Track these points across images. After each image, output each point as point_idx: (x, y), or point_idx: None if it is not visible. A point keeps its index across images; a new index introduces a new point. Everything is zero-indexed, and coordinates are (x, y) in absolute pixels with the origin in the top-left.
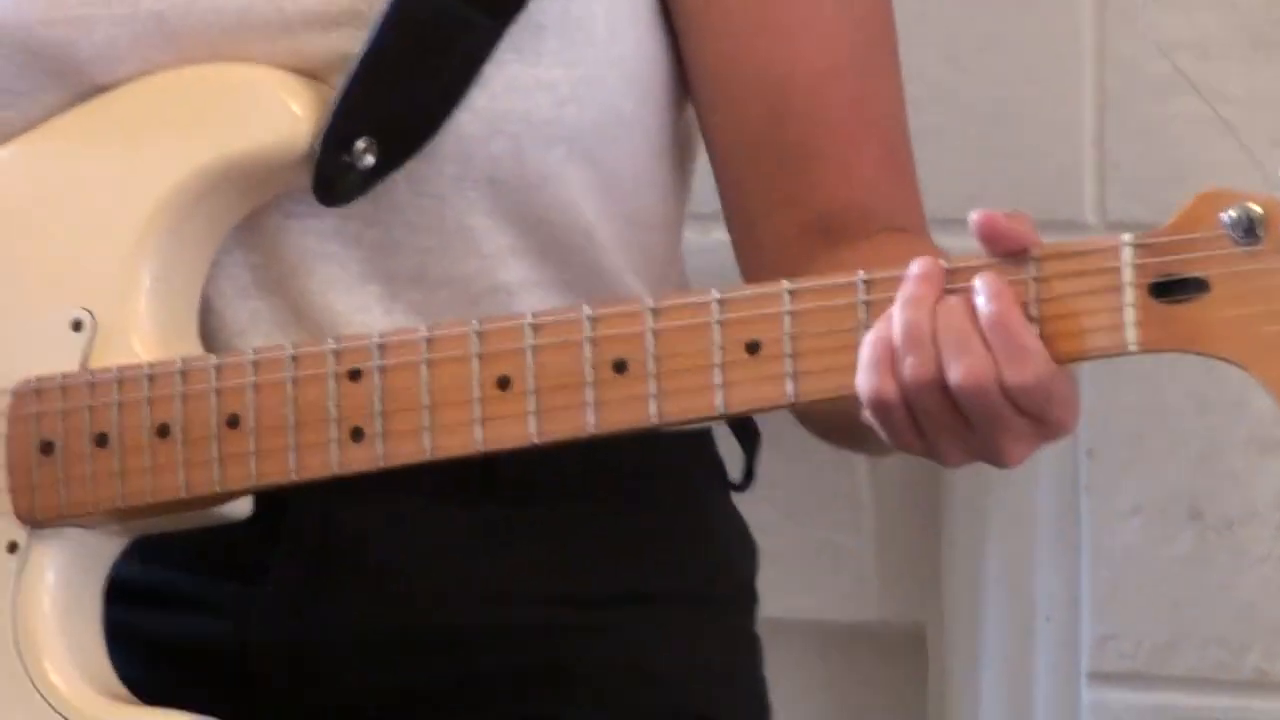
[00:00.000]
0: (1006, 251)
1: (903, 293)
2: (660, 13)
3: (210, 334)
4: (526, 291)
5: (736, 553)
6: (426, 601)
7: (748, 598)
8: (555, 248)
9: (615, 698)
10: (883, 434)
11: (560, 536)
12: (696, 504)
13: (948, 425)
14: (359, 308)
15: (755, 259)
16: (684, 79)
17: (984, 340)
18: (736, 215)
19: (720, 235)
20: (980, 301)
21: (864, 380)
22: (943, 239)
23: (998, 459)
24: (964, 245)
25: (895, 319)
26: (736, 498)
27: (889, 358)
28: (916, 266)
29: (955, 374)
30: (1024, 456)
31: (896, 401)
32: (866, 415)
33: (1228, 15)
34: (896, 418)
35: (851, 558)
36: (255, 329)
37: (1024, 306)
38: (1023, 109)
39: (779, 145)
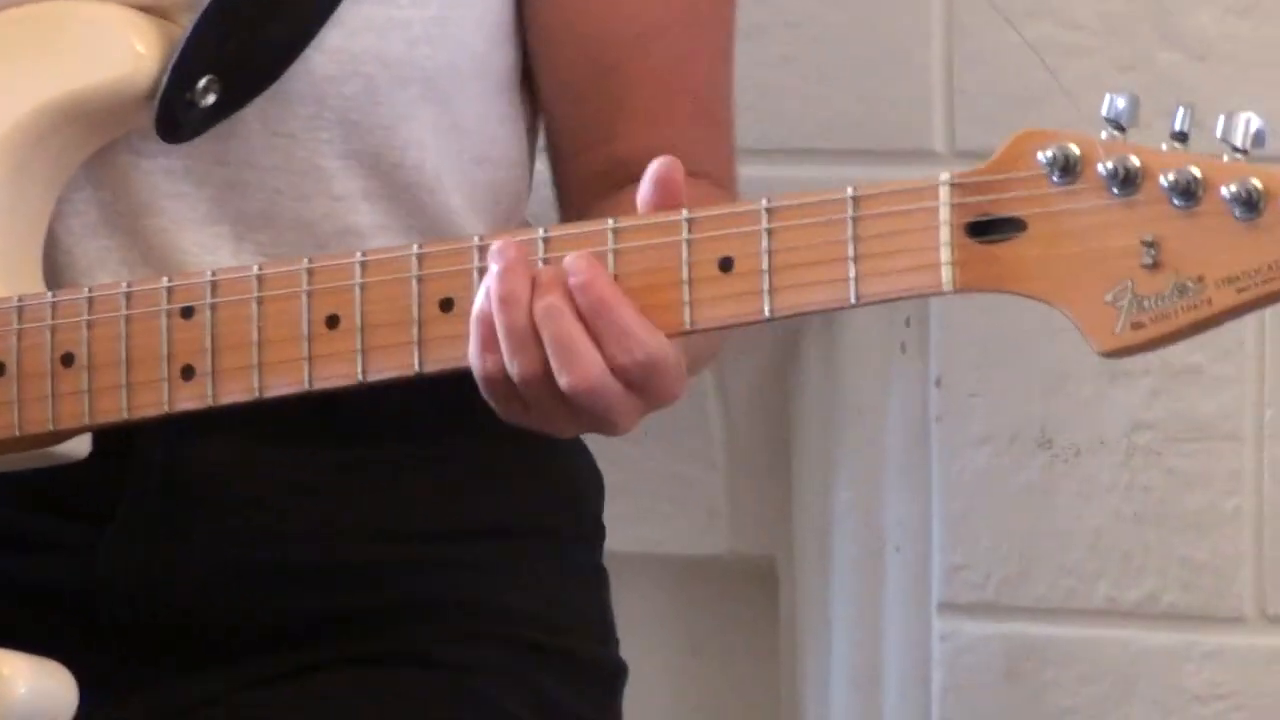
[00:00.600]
0: (665, 202)
1: (495, 288)
2: None
3: (58, 271)
4: (375, 235)
5: (584, 485)
6: (275, 539)
7: (595, 530)
8: (404, 191)
9: (464, 630)
10: (494, 408)
11: (407, 473)
12: (543, 437)
13: (560, 412)
14: (206, 248)
15: (561, 194)
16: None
17: (589, 332)
18: (551, 151)
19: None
20: (576, 288)
21: (474, 362)
22: (791, 169)
23: (608, 430)
24: (811, 175)
25: (496, 319)
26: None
27: (485, 335)
28: (499, 256)
29: (566, 380)
30: (633, 426)
31: (505, 387)
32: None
33: None
34: (506, 399)
35: (701, 490)
36: (103, 268)
37: (842, 245)
38: (872, 37)
39: (595, 95)
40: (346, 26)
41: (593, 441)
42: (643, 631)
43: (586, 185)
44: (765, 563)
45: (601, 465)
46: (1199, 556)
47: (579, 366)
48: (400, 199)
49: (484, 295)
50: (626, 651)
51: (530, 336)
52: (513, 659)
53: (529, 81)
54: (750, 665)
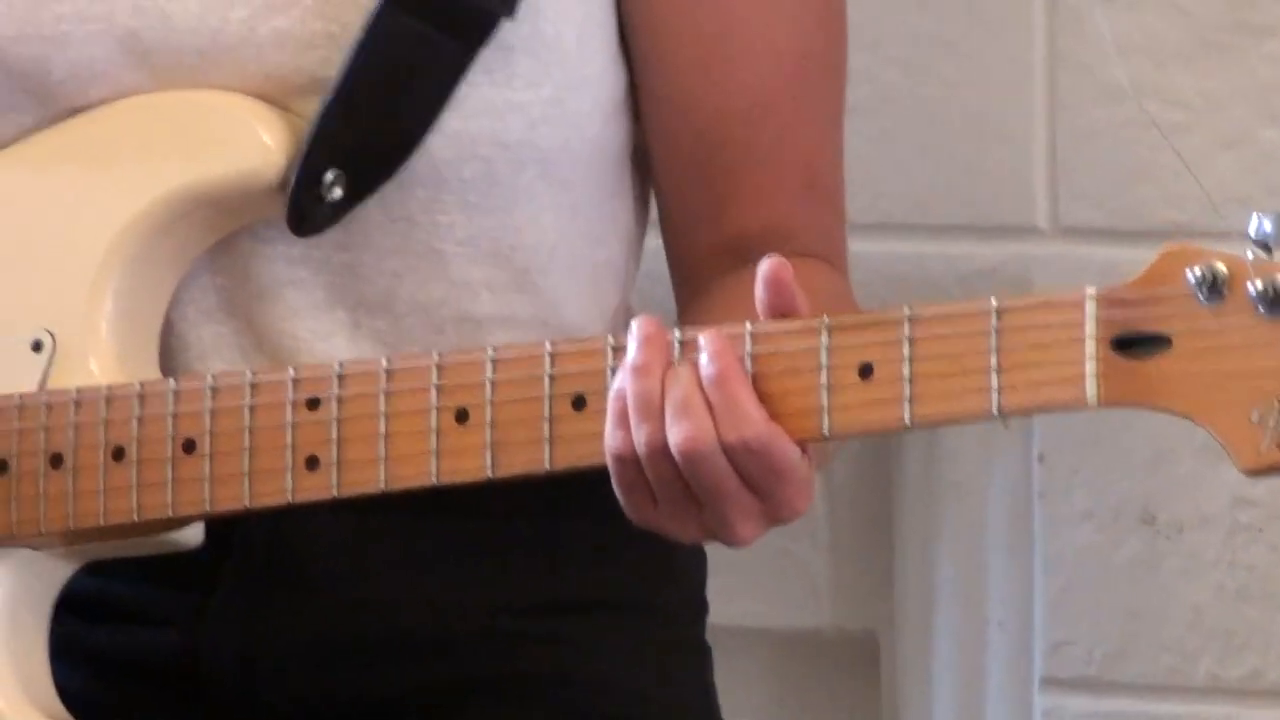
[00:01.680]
0: (779, 301)
1: (630, 360)
2: (620, 37)
3: (170, 356)
4: (491, 322)
5: (686, 560)
6: (375, 612)
7: (697, 606)
8: (521, 275)
9: (565, 707)
10: (621, 501)
11: (508, 547)
12: None
13: (678, 496)
14: (323, 335)
15: (676, 270)
16: (636, 100)
17: (706, 401)
18: (664, 226)
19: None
20: (703, 361)
21: (607, 441)
22: (894, 244)
23: (728, 535)
24: (914, 250)
25: (628, 387)
26: None
27: (627, 419)
28: (638, 330)
29: (675, 436)
30: (755, 536)
31: (633, 464)
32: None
33: (1177, 19)
34: (634, 480)
35: (804, 564)
36: (216, 354)
37: (981, 356)
38: (974, 113)
39: (706, 170)
40: (463, 110)
41: None
42: (745, 706)
43: (702, 262)
44: (867, 637)
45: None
46: None
47: (688, 426)
48: (517, 283)
49: (621, 371)
50: None
51: (658, 405)
52: None
53: (640, 158)
54: None
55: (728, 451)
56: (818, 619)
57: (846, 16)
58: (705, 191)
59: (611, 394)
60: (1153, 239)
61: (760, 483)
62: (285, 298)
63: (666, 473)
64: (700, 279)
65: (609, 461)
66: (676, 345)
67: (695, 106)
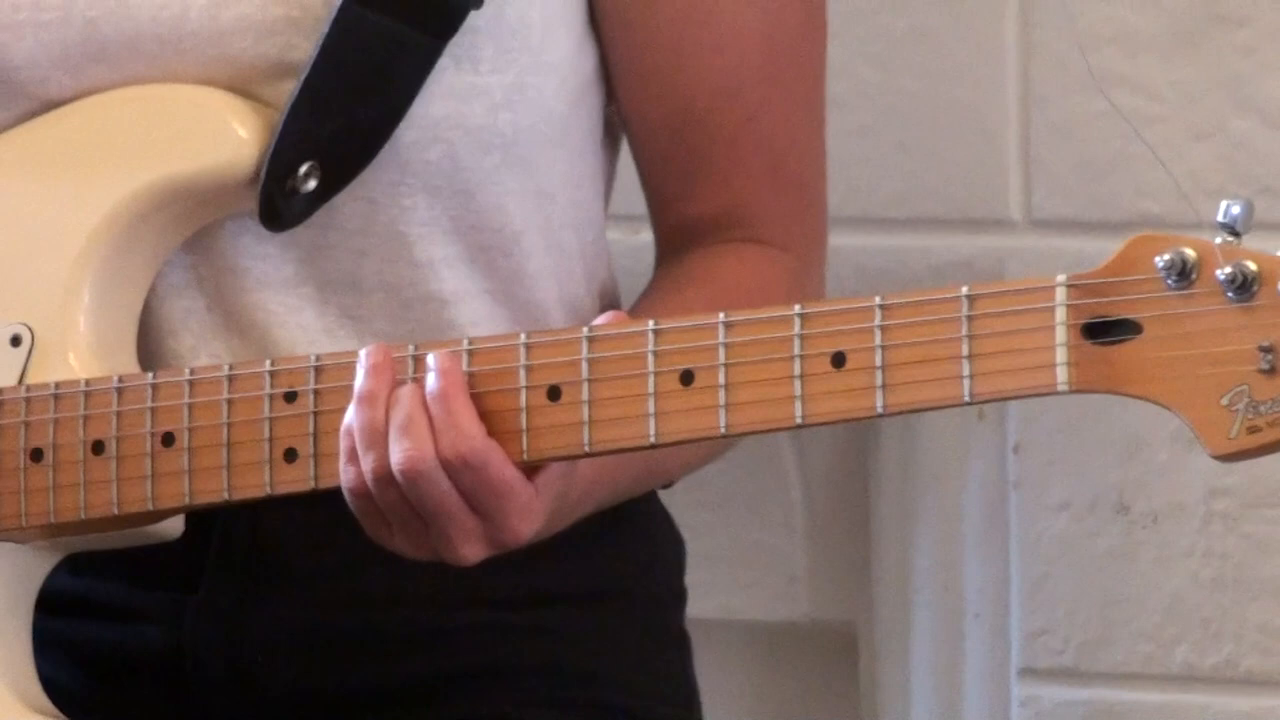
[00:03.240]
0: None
1: (357, 390)
2: (590, 21)
3: (142, 332)
4: (462, 301)
5: (666, 551)
6: (359, 606)
7: (677, 594)
8: (486, 254)
9: (551, 695)
10: (364, 526)
11: None
12: (627, 504)
13: (408, 517)
14: (293, 308)
15: (657, 249)
16: (608, 79)
17: (428, 419)
18: (648, 205)
19: (649, 236)
20: (429, 379)
21: (342, 474)
22: (870, 238)
23: (451, 555)
24: (889, 243)
25: (354, 419)
26: (667, 499)
27: (354, 452)
28: (365, 359)
29: (396, 456)
30: (477, 557)
31: (364, 495)
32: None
33: (1150, 11)
34: (367, 510)
35: (781, 557)
36: (186, 328)
37: (953, 342)
38: (948, 107)
39: (675, 151)
40: (427, 94)
41: (673, 510)
42: (723, 696)
43: (668, 241)
44: (845, 628)
45: (683, 533)
46: (1277, 622)
47: (407, 444)
48: (478, 262)
49: (351, 405)
50: (709, 717)
51: (382, 430)
52: None
53: (611, 140)
54: None
55: (446, 468)
56: (796, 611)
57: (825, 8)
58: (675, 172)
59: (342, 429)
60: (1125, 230)
61: (481, 501)
62: (252, 272)
63: (392, 496)
64: (662, 257)
65: (346, 498)
66: (410, 364)
67: (665, 89)
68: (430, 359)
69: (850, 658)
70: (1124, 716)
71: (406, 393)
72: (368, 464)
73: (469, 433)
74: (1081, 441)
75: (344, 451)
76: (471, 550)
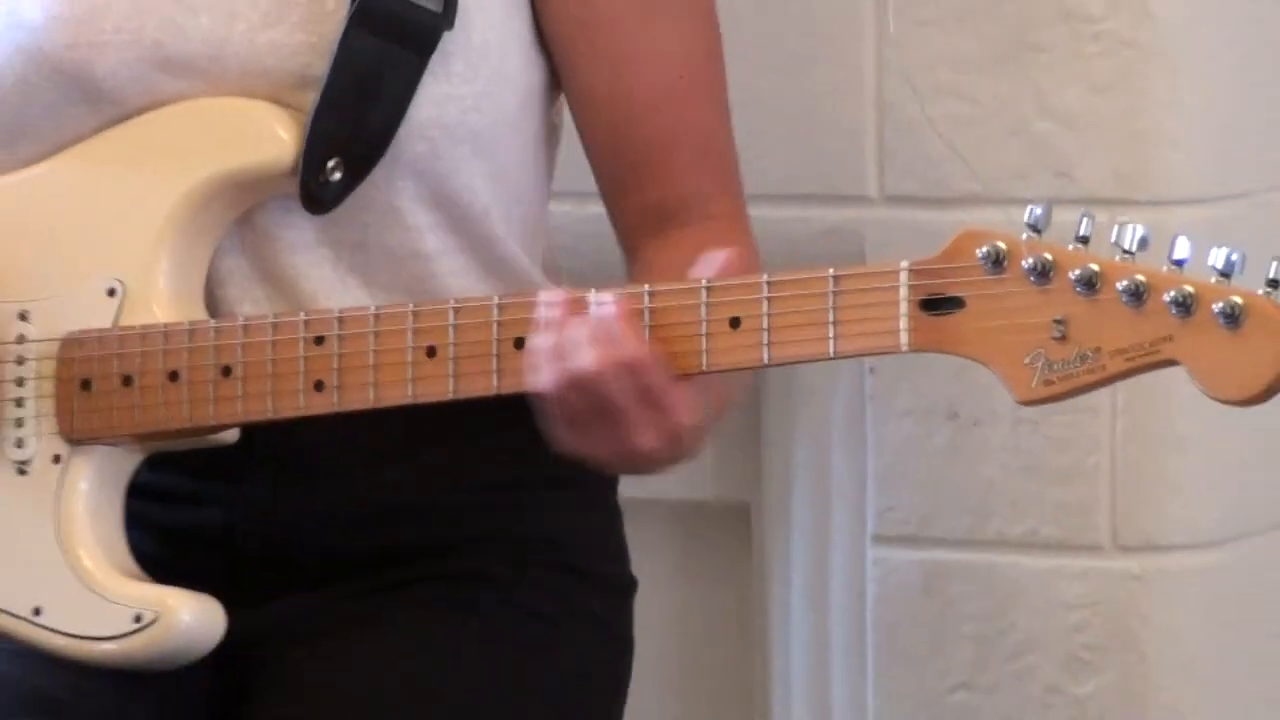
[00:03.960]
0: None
1: (542, 316)
2: (537, 40)
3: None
4: (441, 256)
5: None
6: (375, 489)
7: (613, 480)
8: (461, 222)
9: (515, 555)
10: (548, 431)
11: (474, 442)
12: None
13: (589, 418)
14: (313, 264)
15: (617, 231)
16: (555, 86)
17: (597, 338)
18: (603, 197)
19: (595, 209)
20: (598, 311)
21: (531, 381)
22: (762, 210)
23: (631, 447)
24: (779, 214)
25: (541, 339)
26: None
27: (542, 366)
28: (546, 298)
29: (575, 365)
30: (653, 447)
31: (555, 401)
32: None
33: (975, 37)
34: (557, 415)
35: None
36: (233, 281)
37: (823, 313)
38: (820, 111)
39: (622, 151)
40: (415, 101)
41: None
42: (646, 560)
43: (632, 226)
44: (741, 507)
45: None
46: (1068, 501)
47: (584, 357)
48: (457, 228)
49: (535, 331)
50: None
51: (565, 350)
52: (549, 575)
53: (552, 134)
54: (729, 587)
55: (615, 373)
56: (703, 492)
57: (718, 20)
58: (623, 167)
59: (528, 348)
60: (957, 205)
61: (653, 400)
62: (285, 239)
63: (574, 399)
64: (634, 238)
65: (539, 403)
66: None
67: (605, 102)
68: (598, 296)
69: (745, 529)
70: (950, 571)
71: (581, 320)
72: (552, 375)
73: (632, 344)
74: (922, 365)
75: (529, 365)
76: (646, 439)
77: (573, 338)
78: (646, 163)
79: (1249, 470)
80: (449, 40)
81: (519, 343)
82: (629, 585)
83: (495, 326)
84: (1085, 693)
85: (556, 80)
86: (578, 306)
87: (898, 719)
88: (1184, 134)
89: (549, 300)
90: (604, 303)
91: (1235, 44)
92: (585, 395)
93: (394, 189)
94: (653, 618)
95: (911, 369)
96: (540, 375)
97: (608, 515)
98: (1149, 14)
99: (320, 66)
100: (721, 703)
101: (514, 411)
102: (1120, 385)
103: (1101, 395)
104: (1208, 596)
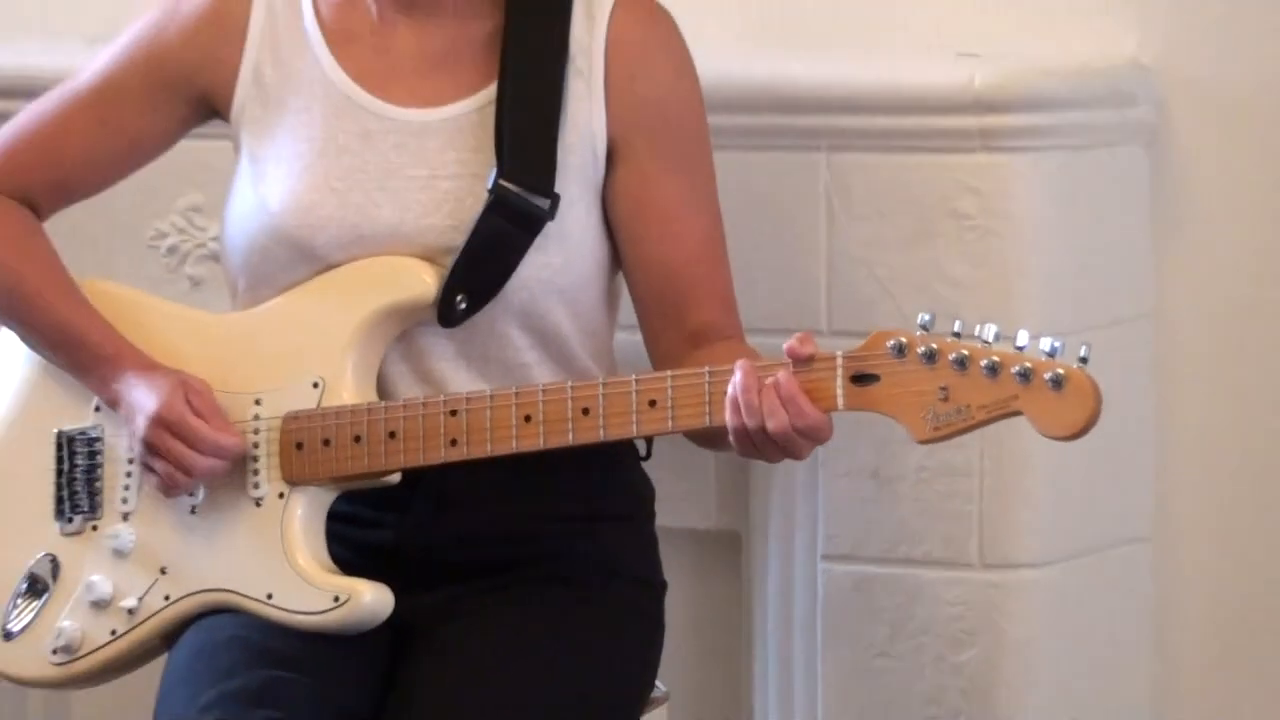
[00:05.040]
0: (800, 358)
1: (738, 381)
2: (605, 229)
3: (377, 381)
4: (536, 365)
5: (646, 491)
6: (496, 519)
7: (652, 516)
8: (550, 345)
9: (590, 570)
10: (735, 447)
11: (561, 487)
12: (627, 466)
13: (768, 446)
14: (452, 369)
15: (655, 351)
16: (616, 260)
17: (783, 406)
18: (643, 331)
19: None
20: (780, 384)
21: (728, 419)
22: (751, 339)
23: (797, 454)
24: (759, 342)
25: (740, 398)
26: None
27: (738, 411)
28: (739, 369)
29: (770, 425)
30: (808, 453)
31: (743, 434)
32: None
33: (894, 226)
34: (743, 442)
35: (697, 498)
36: (397, 380)
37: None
38: (781, 258)
39: (666, 296)
40: (522, 264)
41: (650, 469)
42: (669, 569)
43: (675, 347)
44: (734, 533)
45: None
46: (951, 533)
47: (775, 418)
48: (548, 349)
49: (732, 388)
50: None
51: (756, 406)
52: (610, 580)
53: (614, 290)
54: (728, 587)
55: (798, 430)
56: (708, 522)
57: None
58: (668, 308)
59: (728, 399)
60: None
61: (811, 437)
62: (433, 351)
63: (761, 439)
64: (674, 355)
65: (730, 433)
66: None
67: (654, 262)
68: (781, 375)
69: (736, 550)
70: (874, 580)
71: (770, 389)
72: (750, 423)
73: (809, 413)
74: (855, 440)
75: (729, 409)
76: (805, 451)
77: (769, 404)
78: (687, 303)
79: (1079, 513)
80: (549, 227)
81: (586, 411)
82: (662, 586)
83: (570, 403)
84: (961, 660)
85: (617, 255)
86: (758, 378)
87: (840, 675)
88: (1032, 285)
89: (744, 371)
90: (784, 379)
91: (1066, 225)
92: (768, 437)
93: (505, 322)
94: (673, 609)
95: (850, 441)
96: (733, 420)
97: (649, 538)
98: (1008, 213)
99: (460, 240)
100: (717, 655)
101: (589, 468)
102: (986, 456)
103: (972, 462)
104: (1042, 595)
